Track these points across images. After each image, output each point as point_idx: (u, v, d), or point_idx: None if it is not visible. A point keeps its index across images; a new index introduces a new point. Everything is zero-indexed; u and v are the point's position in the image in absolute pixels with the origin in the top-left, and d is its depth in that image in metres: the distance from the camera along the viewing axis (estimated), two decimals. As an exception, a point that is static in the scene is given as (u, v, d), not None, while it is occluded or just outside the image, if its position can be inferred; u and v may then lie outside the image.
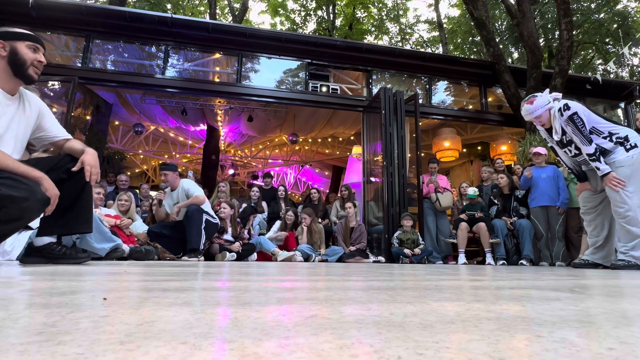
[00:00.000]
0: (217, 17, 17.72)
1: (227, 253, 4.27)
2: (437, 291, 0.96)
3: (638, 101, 8.29)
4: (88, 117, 7.07)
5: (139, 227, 4.37)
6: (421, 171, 5.79)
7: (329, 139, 10.84)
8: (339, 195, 6.89)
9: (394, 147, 5.84)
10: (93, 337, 0.38)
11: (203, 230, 3.91)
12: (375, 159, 6.50)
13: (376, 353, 0.35)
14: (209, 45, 6.63)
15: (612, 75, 14.87)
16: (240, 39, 6.54)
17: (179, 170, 5.39)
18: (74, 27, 6.13)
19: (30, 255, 2.01)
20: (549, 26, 13.70)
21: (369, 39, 20.34)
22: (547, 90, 3.30)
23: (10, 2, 5.74)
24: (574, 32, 7.92)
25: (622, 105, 8.52)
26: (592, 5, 14.33)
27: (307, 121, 8.96)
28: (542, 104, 3.07)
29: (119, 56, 6.60)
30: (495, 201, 5.43)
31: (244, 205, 5.90)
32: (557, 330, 0.46)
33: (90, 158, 1.91)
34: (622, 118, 8.47)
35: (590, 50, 16.64)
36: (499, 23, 15.97)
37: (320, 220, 5.96)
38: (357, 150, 8.33)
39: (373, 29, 20.83)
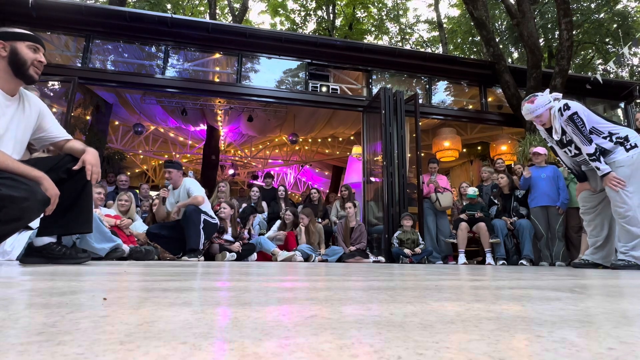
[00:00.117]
0: (217, 17, 17.71)
1: (227, 253, 4.27)
2: (437, 291, 0.96)
3: (638, 101, 8.29)
4: (88, 117, 7.07)
5: (139, 227, 4.37)
6: (421, 171, 5.79)
7: (329, 139, 10.84)
8: (339, 195, 6.89)
9: (393, 147, 5.84)
10: (93, 337, 0.38)
11: (202, 230, 3.91)
12: (375, 159, 6.50)
13: (376, 353, 0.35)
14: (209, 45, 6.63)
15: (612, 75, 14.88)
16: (240, 39, 6.54)
17: (181, 170, 5.39)
18: (74, 27, 6.13)
19: (30, 255, 2.00)
20: (549, 26, 13.69)
21: (369, 39, 20.33)
22: (548, 90, 3.30)
23: (10, 2, 5.74)
24: (574, 32, 7.93)
25: (622, 105, 8.52)
26: (592, 5, 14.32)
27: (307, 121, 8.96)
28: (543, 104, 3.08)
29: (119, 56, 6.60)
30: (495, 201, 5.43)
31: (244, 205, 5.90)
32: (557, 330, 0.46)
33: (91, 157, 1.91)
34: (622, 118, 8.47)
35: (590, 50, 16.64)
36: (499, 23, 15.97)
37: (320, 220, 5.96)
38: (357, 150, 8.32)
39: (373, 29, 20.83)
